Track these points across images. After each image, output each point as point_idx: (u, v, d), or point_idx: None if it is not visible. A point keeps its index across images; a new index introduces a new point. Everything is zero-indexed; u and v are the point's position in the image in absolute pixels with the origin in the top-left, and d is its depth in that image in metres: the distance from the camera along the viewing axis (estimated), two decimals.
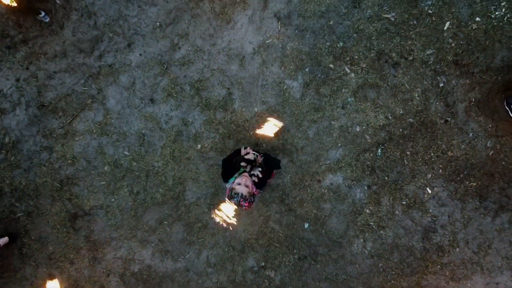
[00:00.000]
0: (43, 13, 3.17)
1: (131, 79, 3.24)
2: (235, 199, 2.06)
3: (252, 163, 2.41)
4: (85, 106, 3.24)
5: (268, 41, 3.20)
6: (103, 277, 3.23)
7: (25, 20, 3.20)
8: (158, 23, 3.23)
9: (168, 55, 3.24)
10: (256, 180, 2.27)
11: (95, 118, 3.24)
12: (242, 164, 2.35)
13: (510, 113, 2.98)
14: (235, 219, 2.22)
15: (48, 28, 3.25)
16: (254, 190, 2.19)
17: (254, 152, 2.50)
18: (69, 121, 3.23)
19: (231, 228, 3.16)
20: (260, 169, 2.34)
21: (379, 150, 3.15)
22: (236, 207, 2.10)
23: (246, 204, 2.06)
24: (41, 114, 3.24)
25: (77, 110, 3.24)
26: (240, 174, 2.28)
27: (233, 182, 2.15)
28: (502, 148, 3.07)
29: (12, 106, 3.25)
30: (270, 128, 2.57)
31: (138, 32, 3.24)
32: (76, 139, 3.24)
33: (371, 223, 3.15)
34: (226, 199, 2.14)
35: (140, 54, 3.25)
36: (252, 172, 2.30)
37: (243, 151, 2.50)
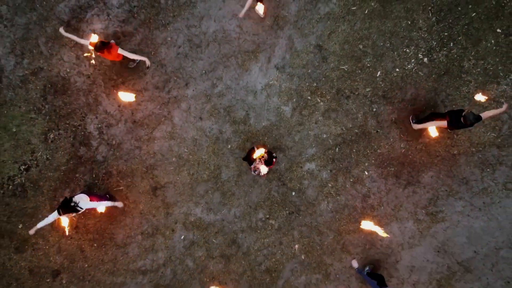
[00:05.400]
0: (133, 63, 5.25)
1: (188, 105, 5.34)
2: (255, 171, 4.24)
3: (262, 155, 4.56)
4: (160, 122, 5.36)
5: (270, 82, 5.26)
6: (173, 224, 5.42)
7: (122, 70, 5.28)
8: (204, 71, 5.30)
9: (210, 90, 5.31)
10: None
11: (166, 129, 5.36)
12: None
13: (413, 125, 5.01)
14: None
15: (136, 74, 5.34)
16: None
17: (263, 149, 4.64)
18: (151, 131, 5.36)
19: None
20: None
21: (337, 149, 5.25)
22: (255, 175, 4.31)
23: (263, 175, 4.24)
24: (134, 127, 5.37)
25: (156, 124, 5.36)
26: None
27: (254, 164, 4.33)
28: (410, 148, 5.15)
29: (116, 121, 5.38)
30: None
31: (192, 76, 5.31)
32: (155, 142, 5.37)
33: (332, 192, 5.28)
34: (252, 171, 4.33)
35: (193, 90, 5.32)
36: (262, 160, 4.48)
37: (256, 150, 4.61)
